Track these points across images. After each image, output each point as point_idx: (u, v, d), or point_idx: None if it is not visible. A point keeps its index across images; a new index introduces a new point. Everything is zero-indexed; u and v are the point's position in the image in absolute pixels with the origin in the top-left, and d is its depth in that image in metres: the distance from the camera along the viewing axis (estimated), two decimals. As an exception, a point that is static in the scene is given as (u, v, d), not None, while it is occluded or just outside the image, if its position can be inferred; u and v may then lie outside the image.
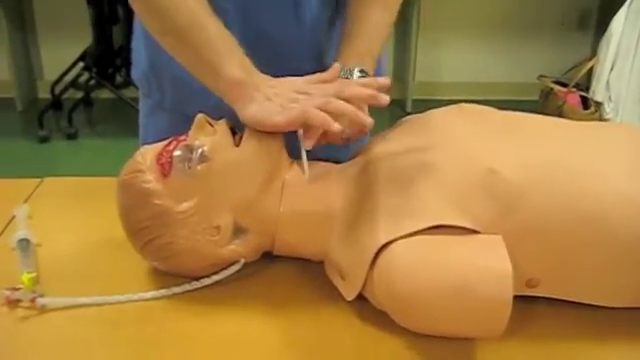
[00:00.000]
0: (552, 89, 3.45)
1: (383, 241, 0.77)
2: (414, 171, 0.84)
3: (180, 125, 0.90)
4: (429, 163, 0.84)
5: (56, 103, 3.63)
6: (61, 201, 1.12)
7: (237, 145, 0.86)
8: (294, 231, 0.87)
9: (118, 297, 0.85)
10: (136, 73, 1.15)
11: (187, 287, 0.87)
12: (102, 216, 0.96)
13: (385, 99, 0.84)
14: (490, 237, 0.77)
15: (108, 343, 0.79)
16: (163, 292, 0.86)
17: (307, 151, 0.87)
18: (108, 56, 3.41)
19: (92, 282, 0.90)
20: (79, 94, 3.56)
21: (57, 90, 3.60)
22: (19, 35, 3.74)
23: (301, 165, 0.88)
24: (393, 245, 0.77)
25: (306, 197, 0.87)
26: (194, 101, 0.97)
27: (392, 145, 0.91)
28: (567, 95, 3.41)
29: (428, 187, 0.81)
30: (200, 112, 0.88)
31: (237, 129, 0.89)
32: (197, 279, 0.87)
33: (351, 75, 0.94)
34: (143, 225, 0.85)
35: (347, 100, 0.83)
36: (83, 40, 3.42)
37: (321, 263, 0.89)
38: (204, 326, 0.82)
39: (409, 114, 1.01)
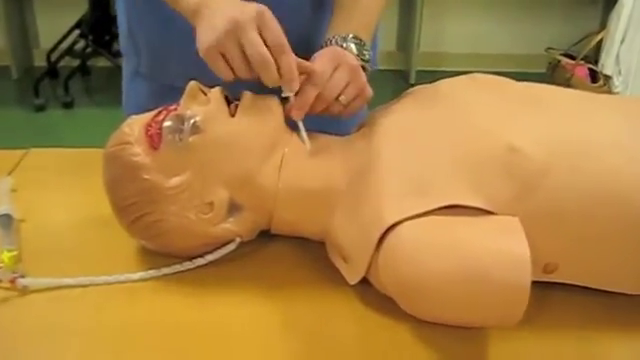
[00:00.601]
0: (560, 61, 3.39)
1: (389, 222, 0.71)
2: (423, 145, 0.78)
3: (160, 94, 0.85)
4: (440, 137, 0.78)
5: (52, 71, 3.57)
6: (48, 174, 1.06)
7: (232, 115, 0.80)
8: (293, 208, 0.81)
9: (105, 278, 0.80)
10: (120, 37, 1.11)
11: (178, 267, 0.82)
12: (91, 191, 0.90)
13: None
14: (507, 219, 0.71)
15: (93, 327, 0.74)
16: (152, 273, 0.81)
17: (303, 122, 0.81)
18: (105, 23, 3.34)
19: (77, 262, 0.85)
20: (75, 62, 3.51)
21: (53, 58, 3.54)
22: (14, 2, 3.68)
23: (301, 136, 0.82)
24: (400, 227, 0.71)
25: (307, 172, 0.81)
26: (169, 69, 0.93)
27: (400, 117, 0.85)
28: (575, 68, 3.34)
29: (439, 163, 0.75)
30: (177, 81, 0.83)
31: (232, 98, 0.83)
32: (189, 259, 0.82)
33: (345, 42, 0.89)
34: (130, 201, 0.79)
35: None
36: (80, 7, 3.37)
37: (322, 243, 0.84)
38: (196, 309, 0.77)
39: (412, 85, 0.96)
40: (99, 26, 3.34)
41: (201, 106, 0.80)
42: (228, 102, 0.82)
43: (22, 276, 0.79)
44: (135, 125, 0.81)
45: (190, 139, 0.77)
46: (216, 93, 0.81)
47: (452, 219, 0.71)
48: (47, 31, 3.77)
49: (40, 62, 3.74)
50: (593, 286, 0.78)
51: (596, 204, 0.72)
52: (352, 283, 0.78)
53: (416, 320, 0.73)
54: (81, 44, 3.44)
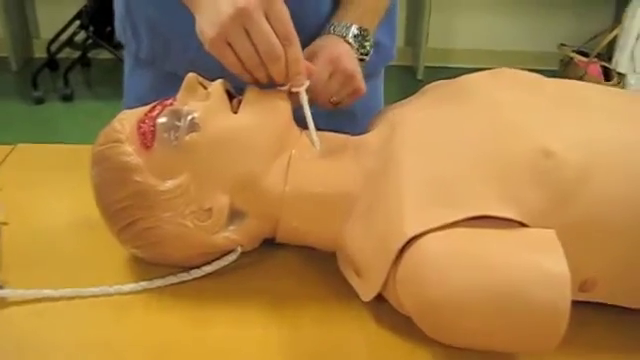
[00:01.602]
0: (572, 59, 3.32)
1: (410, 234, 0.64)
2: (447, 148, 0.70)
3: (162, 84, 0.77)
4: (466, 138, 0.70)
5: (52, 63, 3.51)
6: (35, 172, 0.98)
7: (235, 111, 0.73)
8: (301, 215, 0.73)
9: (91, 290, 0.73)
10: (116, 23, 1.02)
11: (172, 280, 0.75)
12: (82, 191, 0.80)
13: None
14: (542, 232, 0.64)
15: (78, 345, 0.67)
16: (144, 285, 0.74)
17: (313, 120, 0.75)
18: (106, 14, 3.25)
19: (63, 271, 0.77)
20: (76, 54, 3.42)
21: (53, 49, 3.46)
22: (14, -9, 3.60)
23: (310, 136, 0.74)
24: (423, 239, 0.63)
25: (317, 175, 0.74)
26: (170, 53, 0.86)
27: (419, 115, 0.77)
28: (588, 65, 3.27)
29: (465, 168, 0.67)
30: (179, 68, 0.75)
31: (235, 92, 0.75)
32: (185, 270, 0.75)
33: (348, 32, 0.84)
34: (120, 206, 0.71)
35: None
36: (81, -3, 3.28)
37: (332, 254, 0.76)
38: (191, 327, 0.70)
39: (421, 82, 0.89)
40: (100, 17, 3.27)
41: (200, 101, 0.72)
42: (230, 97, 0.74)
43: (0, 286, 0.72)
44: (127, 121, 0.73)
45: (187, 137, 0.70)
46: (217, 87, 0.74)
47: (481, 232, 0.63)
48: (48, 21, 3.70)
49: (40, 54, 3.67)
50: (633, 306, 0.70)
51: None
52: (366, 300, 0.70)
53: (438, 344, 0.66)
54: (82, 35, 3.36)
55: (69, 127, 3.11)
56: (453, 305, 0.61)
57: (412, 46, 3.78)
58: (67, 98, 3.35)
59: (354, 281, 0.72)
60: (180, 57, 0.87)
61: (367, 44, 0.86)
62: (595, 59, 3.29)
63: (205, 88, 0.74)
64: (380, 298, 0.70)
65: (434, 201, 0.66)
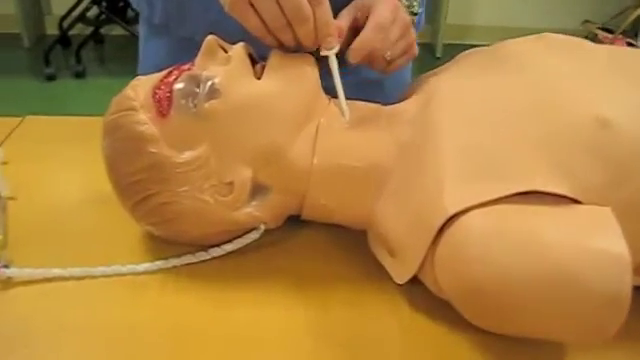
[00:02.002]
0: (597, 35, 3.22)
1: (451, 211, 0.58)
2: (492, 117, 0.64)
3: (178, 51, 0.72)
4: (511, 107, 0.64)
5: (64, 39, 3.46)
6: (45, 145, 0.94)
7: (258, 77, 0.67)
8: (330, 190, 0.68)
9: (103, 269, 0.68)
10: None
11: (190, 259, 0.69)
12: (93, 165, 0.76)
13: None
14: (597, 209, 0.58)
15: (88, 328, 0.62)
16: (159, 264, 0.69)
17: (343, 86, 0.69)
18: (119, -12, 3.21)
19: (72, 249, 0.72)
20: (88, 30, 3.37)
21: (65, 25, 3.41)
22: (26, -34, 3.55)
23: (338, 104, 0.68)
24: (465, 217, 0.57)
25: (347, 146, 0.68)
26: (186, 16, 0.80)
27: (459, 82, 0.71)
28: (613, 42, 3.19)
29: (512, 139, 0.61)
30: (197, 33, 0.70)
31: (258, 57, 0.69)
32: (203, 249, 0.70)
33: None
34: (134, 179, 0.66)
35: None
36: (93, -28, 3.24)
37: (363, 232, 0.70)
38: (211, 308, 0.64)
39: (439, 60, 0.84)
40: (113, -9, 3.22)
41: (220, 66, 0.67)
42: (253, 62, 0.69)
43: (6, 265, 0.67)
44: (141, 88, 0.68)
45: (206, 105, 0.64)
46: (239, 50, 0.68)
47: (530, 209, 0.57)
48: (60, -3, 3.65)
49: (52, 30, 3.63)
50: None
51: None
52: (400, 282, 0.65)
53: (479, 330, 0.60)
54: (94, 11, 3.31)
55: (81, 104, 3.07)
56: (499, 288, 0.55)
57: (431, 23, 3.70)
58: (79, 75, 3.31)
59: (387, 262, 0.66)
60: (198, 20, 0.81)
61: (415, 4, 0.80)
62: (620, 36, 3.20)
63: (226, 52, 0.69)
64: (415, 280, 0.64)
65: (477, 174, 0.60)
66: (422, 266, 0.62)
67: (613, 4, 3.46)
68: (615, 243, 0.55)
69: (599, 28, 3.30)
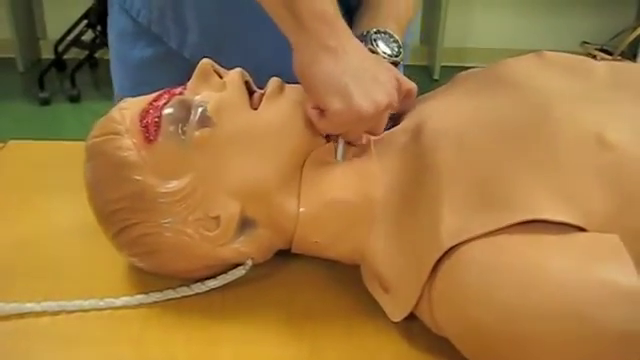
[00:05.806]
0: (595, 57, 3.20)
1: (448, 244, 0.54)
2: (489, 143, 0.60)
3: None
4: (510, 132, 0.60)
5: (59, 63, 3.43)
6: (26, 171, 0.90)
7: (254, 108, 0.63)
8: (320, 228, 0.64)
9: (79, 303, 0.64)
10: (151, 10, 0.88)
11: (172, 294, 0.65)
12: (75, 193, 0.72)
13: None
14: (604, 237, 0.54)
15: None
16: (140, 298, 0.65)
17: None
18: (114, 13, 3.19)
19: (47, 282, 0.68)
20: (83, 54, 3.35)
21: (60, 49, 3.39)
22: (21, -9, 3.54)
23: (336, 148, 0.66)
24: (464, 249, 0.54)
25: (335, 179, 0.65)
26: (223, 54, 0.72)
27: (453, 106, 0.67)
28: (611, 64, 3.16)
29: (511, 165, 0.58)
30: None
31: (255, 86, 0.66)
32: (186, 284, 0.65)
33: (370, 41, 0.74)
34: (115, 207, 0.63)
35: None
36: (88, -4, 3.22)
37: (356, 265, 0.66)
38: (196, 346, 0.61)
39: (437, 82, 0.79)
40: (107, 16, 3.20)
41: (214, 91, 0.63)
42: (250, 91, 0.65)
43: (-23, 300, 0.63)
44: (128, 111, 0.64)
45: (197, 133, 0.61)
46: (235, 76, 0.64)
47: (534, 238, 0.53)
48: (55, 22, 3.63)
49: (47, 55, 3.60)
50: None
51: None
52: (395, 320, 0.60)
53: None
54: (89, 35, 3.30)
55: (76, 128, 3.04)
56: (501, 327, 0.51)
57: (428, 45, 3.68)
58: (74, 99, 3.27)
59: (382, 299, 0.62)
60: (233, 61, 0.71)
61: (394, 45, 0.76)
62: (619, 57, 3.19)
63: (221, 77, 0.65)
64: (411, 316, 0.60)
65: (476, 203, 0.56)
66: (418, 302, 0.58)
67: (611, 25, 3.44)
68: (626, 274, 0.51)
69: (597, 49, 3.28)
